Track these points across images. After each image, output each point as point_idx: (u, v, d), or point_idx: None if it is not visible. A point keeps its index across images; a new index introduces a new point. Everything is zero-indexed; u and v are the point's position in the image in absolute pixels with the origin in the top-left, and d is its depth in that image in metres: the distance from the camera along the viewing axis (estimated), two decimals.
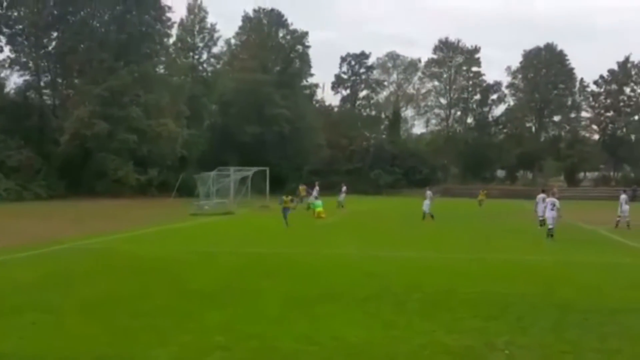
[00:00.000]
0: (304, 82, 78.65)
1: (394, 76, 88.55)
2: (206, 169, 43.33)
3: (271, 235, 22.91)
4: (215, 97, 67.49)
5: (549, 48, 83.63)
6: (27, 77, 58.13)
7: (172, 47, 65.06)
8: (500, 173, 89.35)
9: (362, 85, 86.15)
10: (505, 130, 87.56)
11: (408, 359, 7.49)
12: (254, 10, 76.24)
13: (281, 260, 16.14)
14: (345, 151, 78.50)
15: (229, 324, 8.94)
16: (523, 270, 14.75)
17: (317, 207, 33.25)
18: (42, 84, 59.11)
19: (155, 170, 55.12)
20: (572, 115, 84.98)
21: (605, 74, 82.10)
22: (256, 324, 8.95)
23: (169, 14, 59.28)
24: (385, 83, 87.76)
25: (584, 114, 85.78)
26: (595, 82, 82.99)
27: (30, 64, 57.56)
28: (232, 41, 76.87)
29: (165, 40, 61.28)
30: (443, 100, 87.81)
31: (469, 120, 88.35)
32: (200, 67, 68.33)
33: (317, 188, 40.97)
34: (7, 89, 58.22)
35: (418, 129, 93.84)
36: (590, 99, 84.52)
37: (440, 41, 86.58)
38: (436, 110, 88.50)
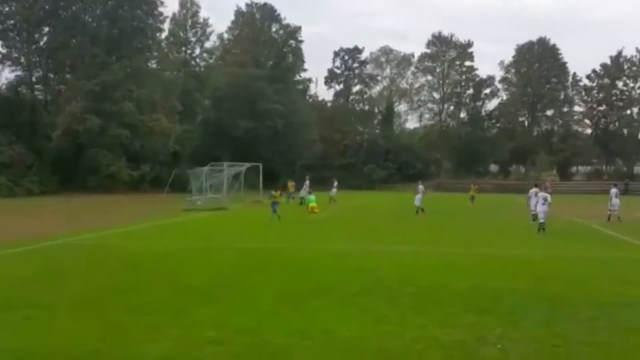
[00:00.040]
0: (297, 77, 78.53)
1: (387, 71, 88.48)
2: (199, 164, 43.25)
3: (264, 231, 22.90)
4: (208, 92, 67.24)
5: (542, 42, 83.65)
6: (19, 73, 57.83)
7: (165, 41, 64.73)
8: (493, 167, 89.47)
9: (356, 80, 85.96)
10: (498, 125, 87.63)
11: (400, 353, 7.52)
12: (247, 5, 76.14)
13: (274, 255, 16.15)
14: (339, 146, 78.45)
15: (221, 319, 8.95)
16: (515, 264, 14.82)
17: (311, 202, 33.31)
18: (33, 79, 58.80)
19: (148, 166, 55.00)
20: (565, 109, 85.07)
21: (598, 68, 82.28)
22: (248, 319, 8.96)
23: (161, 9, 59.05)
24: (379, 78, 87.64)
25: (576, 108, 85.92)
26: (588, 76, 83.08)
27: (22, 59, 57.21)
28: (225, 36, 76.78)
29: (157, 35, 60.97)
30: (436, 95, 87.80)
31: (462, 114, 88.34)
32: (192, 62, 68.00)
33: (307, 182, 40.97)
34: None
35: (411, 123, 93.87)
36: (583, 93, 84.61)
37: (434, 35, 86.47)
38: (429, 105, 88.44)
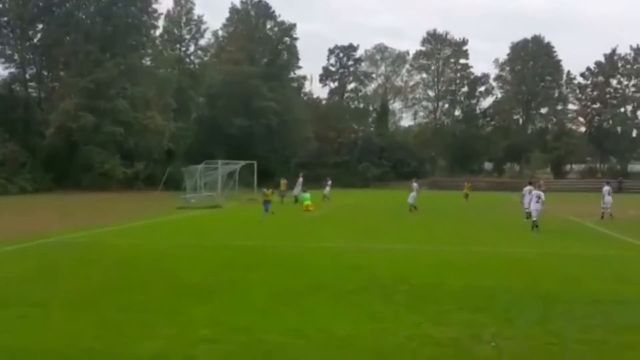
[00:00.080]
0: (292, 75, 78.45)
1: (382, 68, 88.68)
2: (193, 162, 43.21)
3: (259, 229, 22.86)
4: (202, 90, 67.13)
5: (536, 40, 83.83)
6: (12, 70, 57.79)
7: (159, 39, 64.59)
8: (488, 165, 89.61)
9: (350, 78, 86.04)
10: (492, 123, 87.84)
11: (395, 351, 7.52)
12: (241, 2, 75.97)
13: (268, 253, 16.13)
14: (333, 144, 78.48)
15: (216, 317, 8.93)
16: (509, 262, 14.85)
17: (305, 200, 33.27)
18: (27, 76, 58.66)
19: (142, 164, 54.87)
20: (559, 107, 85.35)
21: (592, 66, 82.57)
22: (243, 317, 8.94)
23: (155, 6, 59.05)
24: (374, 75, 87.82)
25: (570, 106, 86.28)
26: (582, 74, 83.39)
27: (16, 57, 57.08)
28: (220, 33, 76.70)
29: (151, 32, 60.78)
30: (431, 93, 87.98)
31: (457, 112, 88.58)
32: (187, 59, 67.81)
33: (300, 180, 40.91)
34: None
35: (406, 121, 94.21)
36: (577, 91, 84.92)
37: (428, 33, 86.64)
38: (424, 103, 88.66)
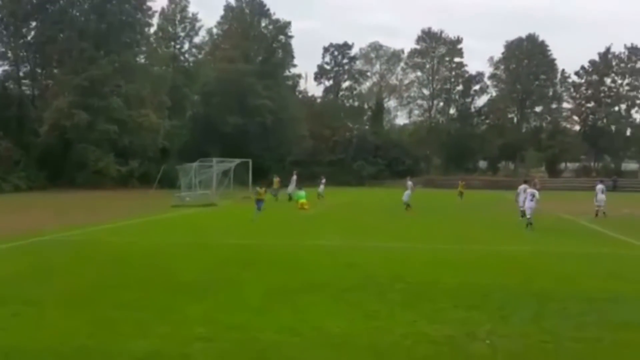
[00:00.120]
0: (287, 73, 78.26)
1: (377, 67, 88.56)
2: (188, 160, 43.09)
3: (253, 227, 22.84)
4: (197, 88, 66.96)
5: (531, 39, 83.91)
6: (6, 67, 57.63)
7: (153, 36, 64.32)
8: (483, 164, 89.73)
9: (345, 76, 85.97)
10: (487, 121, 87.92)
11: (390, 349, 7.52)
12: (236, 0, 75.75)
13: (263, 251, 16.12)
14: (328, 142, 78.45)
15: (211, 315, 8.92)
16: (503, 260, 14.90)
17: (301, 198, 33.19)
18: (21, 74, 58.42)
19: (137, 162, 54.72)
20: (554, 106, 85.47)
21: (586, 64, 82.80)
22: (238, 315, 8.93)
23: (149, 3, 58.78)
24: (368, 74, 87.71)
25: (565, 104, 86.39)
26: (577, 73, 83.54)
27: (9, 54, 56.86)
28: (214, 31, 76.50)
29: (146, 29, 60.57)
30: (426, 91, 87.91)
31: (452, 111, 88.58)
32: (181, 57, 67.61)
33: (294, 178, 40.87)
34: None
35: (401, 119, 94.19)
36: (572, 89, 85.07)
37: (423, 32, 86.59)
38: (419, 101, 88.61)
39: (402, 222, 25.67)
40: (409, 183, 33.85)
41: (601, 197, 28.54)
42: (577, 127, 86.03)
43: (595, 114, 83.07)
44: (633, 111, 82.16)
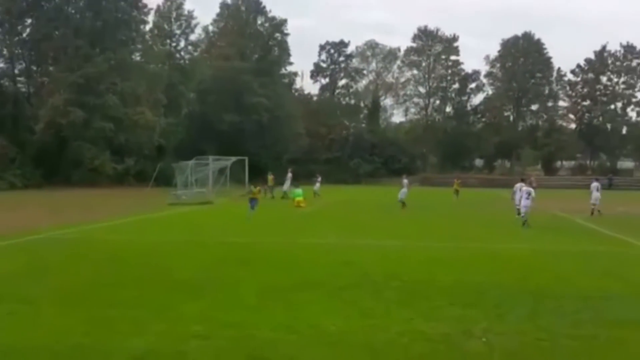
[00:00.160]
0: (283, 71, 78.22)
1: (373, 65, 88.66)
2: (184, 158, 42.99)
3: (250, 225, 22.80)
4: (193, 85, 66.76)
5: (527, 37, 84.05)
6: (1, 65, 57.37)
7: (149, 34, 64.13)
8: (479, 162, 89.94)
9: (342, 74, 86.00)
10: (483, 119, 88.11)
11: (386, 347, 7.52)
12: None
13: (259, 249, 16.11)
14: (325, 140, 78.46)
15: (207, 313, 8.91)
16: (499, 258, 14.92)
17: (297, 196, 33.10)
18: (16, 71, 58.21)
19: (132, 160, 54.63)
20: (550, 104, 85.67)
21: (582, 63, 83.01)
22: (234, 313, 8.93)
23: (145, 1, 58.49)
24: (365, 72, 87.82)
25: (561, 103, 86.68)
26: (572, 71, 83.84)
27: (5, 51, 56.61)
28: (210, 28, 76.43)
29: (141, 27, 60.36)
30: (422, 89, 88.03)
31: (448, 109, 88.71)
32: (177, 55, 67.42)
33: (289, 175, 40.82)
34: None
35: (397, 117, 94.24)
36: (567, 88, 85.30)
37: (419, 30, 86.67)
38: (415, 99, 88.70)
39: (398, 220, 25.69)
40: (405, 181, 33.79)
41: (596, 194, 28.64)
42: (573, 125, 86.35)
43: (591, 112, 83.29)
44: (629, 109, 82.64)
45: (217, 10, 76.63)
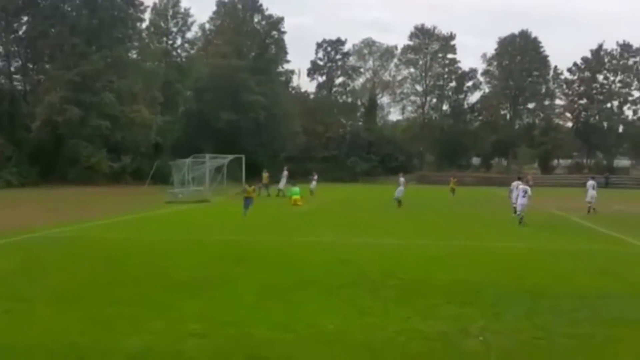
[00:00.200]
0: (280, 69, 78.08)
1: (370, 63, 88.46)
2: (181, 156, 42.92)
3: (247, 223, 22.79)
4: (189, 83, 66.61)
5: (524, 35, 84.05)
6: None
7: (145, 32, 63.88)
8: (476, 160, 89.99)
9: (338, 72, 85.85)
10: (480, 118, 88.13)
11: (384, 345, 7.53)
12: None
13: (257, 247, 16.11)
14: (322, 138, 78.42)
15: (204, 312, 8.91)
16: (496, 257, 14.94)
17: (294, 194, 33.06)
18: (12, 69, 58.00)
19: (129, 157, 54.51)
20: (546, 102, 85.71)
21: (578, 61, 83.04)
22: (232, 312, 8.92)
23: None
24: (362, 70, 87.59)
25: (557, 101, 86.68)
26: (569, 70, 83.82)
27: (1, 49, 56.47)
28: (207, 26, 76.25)
29: (138, 24, 60.13)
30: (419, 87, 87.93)
31: (445, 107, 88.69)
32: (174, 53, 67.29)
33: (285, 173, 40.77)
34: None
35: (394, 116, 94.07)
36: (564, 86, 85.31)
37: (416, 28, 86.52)
38: (412, 98, 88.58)
39: (395, 219, 25.71)
40: (401, 179, 33.80)
41: (592, 193, 28.71)
42: (570, 124, 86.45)
43: (587, 110, 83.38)
44: (625, 108, 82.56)
45: (214, 8, 76.54)
